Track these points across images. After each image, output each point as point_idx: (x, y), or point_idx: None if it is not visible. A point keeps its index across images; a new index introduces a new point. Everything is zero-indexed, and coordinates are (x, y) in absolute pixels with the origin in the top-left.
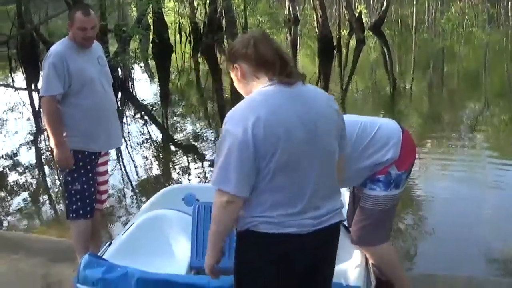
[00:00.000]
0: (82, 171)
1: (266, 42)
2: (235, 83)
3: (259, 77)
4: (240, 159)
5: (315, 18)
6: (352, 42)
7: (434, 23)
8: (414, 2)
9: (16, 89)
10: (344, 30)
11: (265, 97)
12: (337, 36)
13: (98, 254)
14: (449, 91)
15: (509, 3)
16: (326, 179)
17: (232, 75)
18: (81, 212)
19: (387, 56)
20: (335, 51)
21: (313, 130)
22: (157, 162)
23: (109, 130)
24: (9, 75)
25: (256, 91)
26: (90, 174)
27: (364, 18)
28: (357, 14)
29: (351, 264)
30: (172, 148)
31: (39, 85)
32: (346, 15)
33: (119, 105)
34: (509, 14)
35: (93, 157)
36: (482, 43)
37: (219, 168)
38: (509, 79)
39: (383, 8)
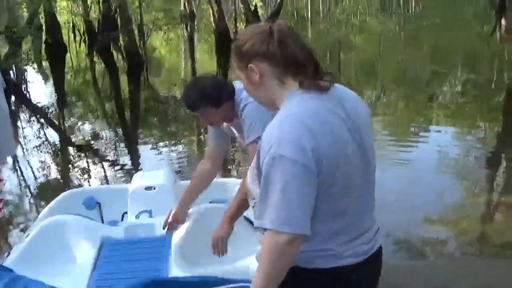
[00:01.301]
0: None
1: (293, 36)
2: (248, 88)
3: (285, 81)
4: (304, 188)
5: (211, 12)
6: None
7: (329, 14)
8: None
9: None
10: (241, 24)
11: (311, 108)
12: (234, 30)
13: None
14: (346, 79)
15: None
16: (373, 195)
17: (242, 77)
18: None
19: None
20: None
21: (361, 143)
22: (55, 166)
23: None
24: None
25: (293, 101)
26: None
27: (260, 11)
28: (253, 8)
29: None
30: (70, 150)
31: None
32: (242, 8)
33: (13, 109)
34: (400, 2)
35: None
36: (376, 32)
37: (276, 206)
38: (403, 66)
39: (278, 1)
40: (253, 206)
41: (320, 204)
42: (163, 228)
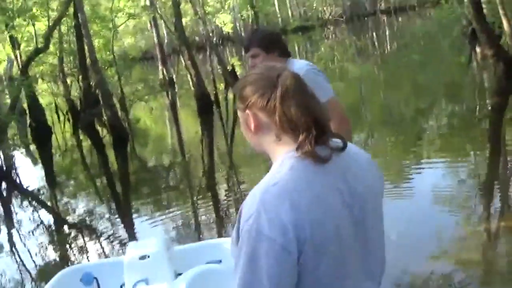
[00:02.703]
0: None
1: (299, 96)
2: (244, 130)
3: (282, 139)
4: (279, 271)
5: (189, 77)
6: (230, 95)
7: None
8: None
9: None
10: (220, 85)
11: (303, 180)
12: (214, 92)
13: None
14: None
15: (374, 34)
16: (376, 274)
17: (240, 116)
18: None
19: None
20: (214, 107)
21: (361, 221)
22: (52, 246)
23: None
24: None
25: (286, 165)
26: None
27: (238, 71)
28: (230, 68)
29: None
30: (66, 229)
31: None
32: (219, 70)
33: (4, 196)
34: (376, 44)
35: None
36: (355, 76)
37: (244, 286)
38: (387, 106)
39: None
40: None
41: None
42: None
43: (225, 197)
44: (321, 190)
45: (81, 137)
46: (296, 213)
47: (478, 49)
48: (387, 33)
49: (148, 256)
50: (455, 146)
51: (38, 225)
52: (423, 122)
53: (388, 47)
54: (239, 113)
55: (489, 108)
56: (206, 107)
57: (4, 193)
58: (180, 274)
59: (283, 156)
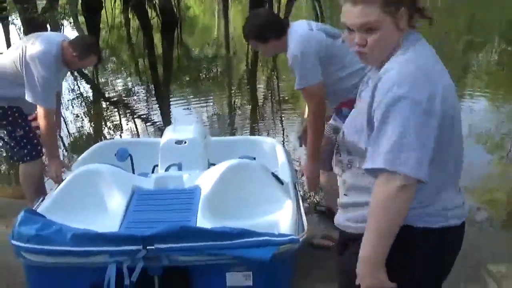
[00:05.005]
0: (19, 120)
1: None
2: (383, 36)
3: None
4: (425, 131)
5: None
6: None
7: None
8: None
9: None
10: None
11: (432, 59)
12: None
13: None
14: None
15: None
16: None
17: (382, 23)
18: (33, 153)
19: (318, 12)
20: (267, 7)
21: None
22: (88, 119)
23: None
24: None
25: (416, 48)
26: (25, 123)
27: None
28: None
29: (283, 213)
30: (103, 104)
31: None
32: None
33: None
34: None
35: (24, 116)
36: None
37: (392, 145)
38: (439, 34)
39: None
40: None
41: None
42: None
43: (263, 98)
44: (442, 67)
45: (130, 16)
46: (440, 84)
47: None
48: None
49: (185, 142)
50: (503, 86)
51: (77, 96)
52: (474, 55)
53: None
54: (381, 20)
55: None
56: (257, 6)
57: None
58: (213, 164)
59: (407, 38)
